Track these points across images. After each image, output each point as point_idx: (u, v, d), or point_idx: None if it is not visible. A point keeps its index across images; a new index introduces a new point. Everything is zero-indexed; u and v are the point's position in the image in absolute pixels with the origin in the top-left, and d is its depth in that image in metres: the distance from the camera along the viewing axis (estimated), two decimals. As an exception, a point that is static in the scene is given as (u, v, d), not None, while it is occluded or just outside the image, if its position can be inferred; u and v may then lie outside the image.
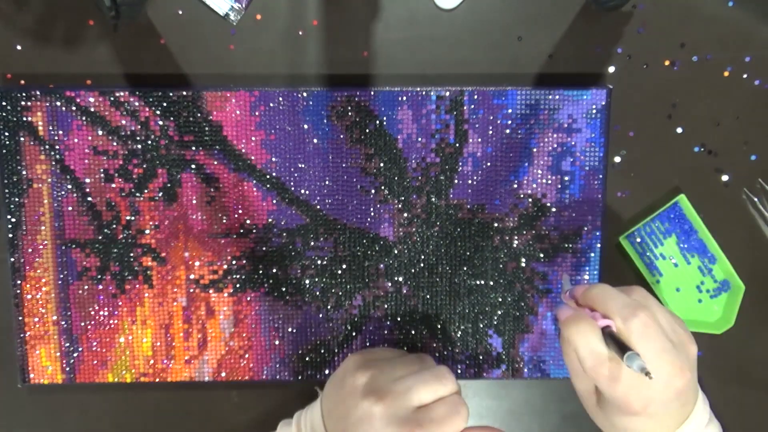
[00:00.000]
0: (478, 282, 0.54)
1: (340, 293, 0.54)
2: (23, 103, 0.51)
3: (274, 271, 0.53)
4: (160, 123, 0.52)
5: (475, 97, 0.52)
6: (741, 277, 0.53)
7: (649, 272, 0.54)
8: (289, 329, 0.54)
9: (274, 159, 0.52)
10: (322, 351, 0.54)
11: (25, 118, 0.51)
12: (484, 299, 0.54)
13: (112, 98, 0.51)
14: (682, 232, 0.54)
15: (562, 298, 0.46)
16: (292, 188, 0.53)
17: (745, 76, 0.54)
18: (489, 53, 0.53)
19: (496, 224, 0.53)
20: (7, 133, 0.51)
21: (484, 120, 0.52)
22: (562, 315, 0.43)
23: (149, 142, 0.52)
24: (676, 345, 0.40)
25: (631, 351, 0.37)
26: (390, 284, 0.54)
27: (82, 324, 0.53)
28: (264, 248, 0.53)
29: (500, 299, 0.54)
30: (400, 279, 0.54)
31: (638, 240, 0.54)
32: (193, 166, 0.52)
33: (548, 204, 0.53)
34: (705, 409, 0.43)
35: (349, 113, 0.52)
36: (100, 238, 0.53)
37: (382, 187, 0.53)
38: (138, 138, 0.52)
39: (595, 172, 0.53)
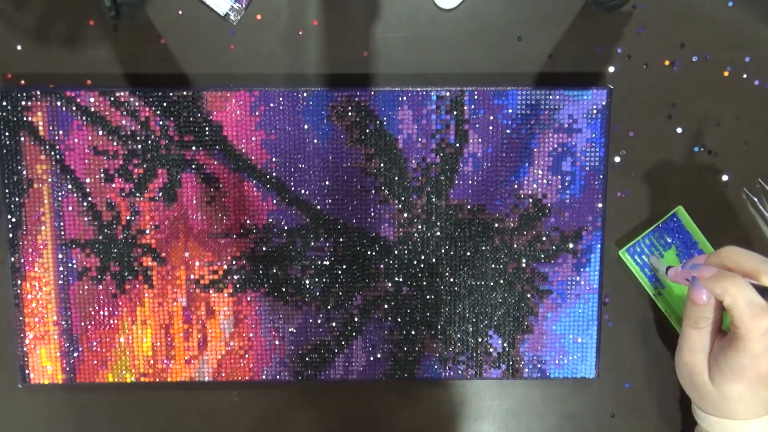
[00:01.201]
0: (478, 282, 0.54)
1: (340, 293, 0.54)
2: (23, 103, 0.51)
3: (274, 271, 0.53)
4: (160, 123, 0.52)
5: (476, 97, 0.52)
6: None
7: (651, 285, 0.54)
8: (289, 329, 0.54)
9: (274, 159, 0.52)
10: (322, 351, 0.54)
11: (25, 118, 0.51)
12: (484, 300, 0.54)
13: (112, 98, 0.51)
14: (681, 244, 0.53)
15: (674, 274, 0.50)
16: (292, 188, 0.53)
17: (745, 76, 0.54)
18: (489, 53, 0.53)
19: (496, 224, 0.53)
20: (7, 133, 0.51)
21: (485, 120, 0.52)
22: (705, 273, 0.45)
23: (149, 142, 0.52)
24: None
25: None
26: (390, 284, 0.54)
27: (82, 324, 0.53)
28: (264, 248, 0.53)
29: (500, 300, 0.54)
30: (400, 279, 0.54)
31: (638, 252, 0.54)
32: (193, 166, 0.52)
33: (549, 204, 0.53)
34: None
35: (349, 113, 0.52)
36: (100, 238, 0.53)
37: (383, 188, 0.53)
38: (138, 138, 0.52)
39: (595, 172, 0.53)
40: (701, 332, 0.47)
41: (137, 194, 0.52)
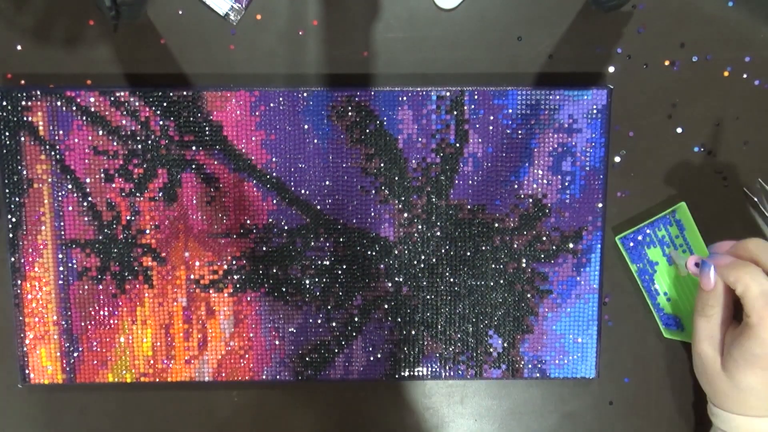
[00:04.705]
0: (478, 282, 0.54)
1: (340, 293, 0.54)
2: (23, 103, 0.51)
3: (274, 271, 0.53)
4: (160, 123, 0.52)
5: (476, 97, 0.52)
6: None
7: (639, 279, 0.54)
8: (289, 329, 0.54)
9: (274, 159, 0.52)
10: (322, 351, 0.54)
11: (25, 118, 0.51)
12: (484, 300, 0.54)
13: (112, 98, 0.51)
14: (679, 237, 0.53)
15: (687, 264, 0.49)
16: (292, 188, 0.53)
17: (745, 76, 0.54)
18: (489, 53, 0.53)
19: (496, 224, 0.53)
20: (7, 133, 0.51)
21: (485, 120, 0.52)
22: (721, 261, 0.46)
23: (149, 142, 0.52)
24: None
25: None
26: (390, 284, 0.54)
27: (82, 324, 0.53)
28: (264, 248, 0.53)
29: (500, 300, 0.54)
30: (400, 279, 0.54)
31: (632, 243, 0.54)
32: (193, 166, 0.52)
33: (549, 204, 0.53)
34: None
35: (349, 113, 0.52)
36: (101, 238, 0.53)
37: (383, 188, 0.53)
38: (138, 138, 0.52)
39: (595, 172, 0.53)
40: (709, 321, 0.48)
41: (137, 194, 0.52)
